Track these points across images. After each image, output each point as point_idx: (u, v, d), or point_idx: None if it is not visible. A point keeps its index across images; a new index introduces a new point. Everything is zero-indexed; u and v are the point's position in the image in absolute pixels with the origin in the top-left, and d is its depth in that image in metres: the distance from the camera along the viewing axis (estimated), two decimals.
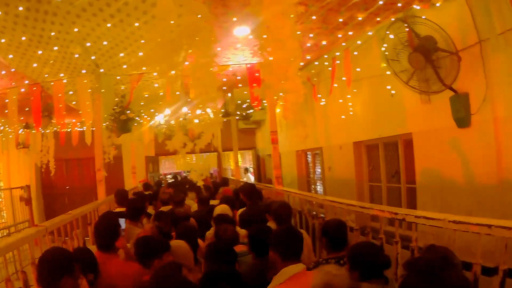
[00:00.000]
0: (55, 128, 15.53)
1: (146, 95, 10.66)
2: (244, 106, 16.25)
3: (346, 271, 3.04)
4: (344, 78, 8.72)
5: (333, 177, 11.08)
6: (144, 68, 8.02)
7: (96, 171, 8.51)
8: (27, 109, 9.74)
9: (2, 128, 14.88)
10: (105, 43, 6.62)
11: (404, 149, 8.41)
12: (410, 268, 2.26)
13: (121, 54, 7.04)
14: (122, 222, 5.64)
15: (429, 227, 3.93)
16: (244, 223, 5.48)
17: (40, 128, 14.11)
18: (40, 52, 6.86)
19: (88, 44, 6.65)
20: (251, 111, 17.05)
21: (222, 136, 18.81)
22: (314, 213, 6.87)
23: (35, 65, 7.46)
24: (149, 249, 3.85)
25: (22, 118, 12.71)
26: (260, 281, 3.64)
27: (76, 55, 7.20)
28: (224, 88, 11.68)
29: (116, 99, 8.97)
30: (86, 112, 8.52)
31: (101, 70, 7.90)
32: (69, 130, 15.38)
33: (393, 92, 7.79)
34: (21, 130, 14.95)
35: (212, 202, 7.97)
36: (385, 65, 7.27)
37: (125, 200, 7.14)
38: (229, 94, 14.45)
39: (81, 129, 14.65)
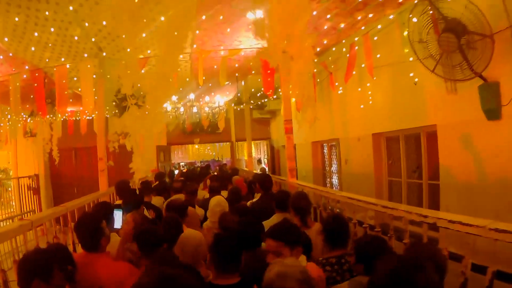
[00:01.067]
0: (64, 117, 15.39)
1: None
2: (259, 95, 15.79)
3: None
4: (363, 65, 8.27)
5: (350, 170, 10.59)
6: (149, 52, 7.58)
7: (98, 160, 8.17)
8: (32, 96, 9.40)
9: (9, 116, 14.58)
10: (104, 23, 6.18)
11: (427, 142, 7.90)
12: (380, 265, 2.29)
13: (123, 36, 6.60)
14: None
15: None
16: (256, 213, 5.47)
17: (48, 116, 14.03)
18: (36, 34, 6.45)
19: (87, 24, 6.21)
20: (266, 100, 16.62)
21: (236, 125, 18.55)
22: (330, 207, 6.69)
23: (33, 48, 7.07)
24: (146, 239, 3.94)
25: (27, 106, 12.44)
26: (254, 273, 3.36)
27: (76, 37, 6.78)
28: (237, 74, 11.20)
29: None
30: (87, 98, 8.10)
31: (104, 54, 7.50)
32: (78, 118, 15.22)
33: (416, 80, 7.27)
34: (29, 118, 14.74)
35: (223, 192, 7.82)
36: (407, 50, 6.83)
37: (125, 193, 6.82)
38: (242, 82, 14.04)
39: (90, 118, 14.44)
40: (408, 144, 8.65)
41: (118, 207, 5.56)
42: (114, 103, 8.57)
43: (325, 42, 8.56)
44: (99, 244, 3.88)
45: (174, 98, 9.10)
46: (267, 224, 4.48)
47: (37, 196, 17.42)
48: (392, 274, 2.19)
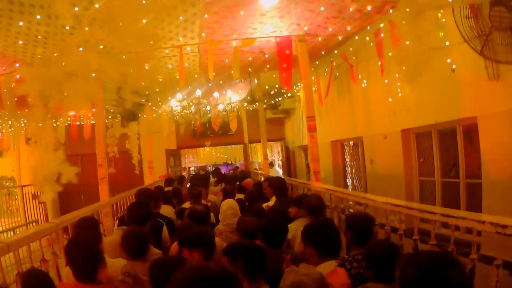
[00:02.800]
0: (67, 121, 14.95)
1: (160, 79, 9.49)
2: (272, 93, 15.08)
3: (317, 271, 2.87)
4: (390, 54, 7.56)
5: (376, 171, 9.84)
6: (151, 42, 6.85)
7: (98, 167, 7.48)
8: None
9: (10, 122, 14.02)
10: (97, 5, 5.43)
11: (464, 137, 7.20)
12: (409, 264, 2.32)
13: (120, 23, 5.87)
14: None
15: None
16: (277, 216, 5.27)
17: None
18: (22, 23, 5.73)
19: (77, 8, 5.45)
20: (280, 99, 15.92)
21: (249, 126, 17.91)
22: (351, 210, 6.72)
23: (21, 42, 6.37)
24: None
25: (26, 110, 11.81)
26: (274, 272, 3.48)
27: (68, 27, 6.05)
28: (250, 70, 10.44)
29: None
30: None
31: (101, 47, 6.77)
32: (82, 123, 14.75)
33: (454, 66, 6.51)
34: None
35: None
36: (442, 34, 6.32)
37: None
38: (256, 80, 13.32)
39: (95, 122, 13.82)
40: (441, 140, 7.93)
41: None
42: (116, 103, 7.76)
43: (348, 28, 7.81)
44: (95, 274, 3.24)
45: (179, 96, 8.27)
46: (291, 227, 4.92)
47: (43, 205, 16.80)
48: (423, 269, 2.21)
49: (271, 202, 7.17)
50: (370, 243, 3.69)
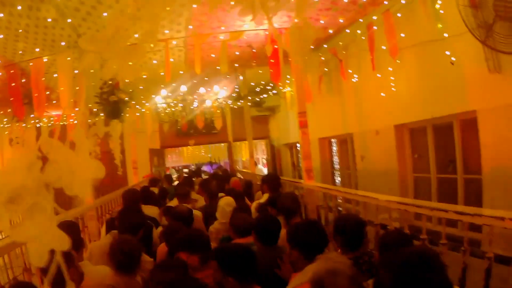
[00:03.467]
0: (51, 122, 14.54)
1: (145, 76, 9.10)
2: (258, 90, 14.75)
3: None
4: (384, 47, 7.29)
5: (367, 167, 9.57)
6: (136, 35, 6.43)
7: None
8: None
9: None
10: None
11: (462, 132, 6.97)
12: (386, 266, 2.16)
13: (104, 14, 5.47)
14: None
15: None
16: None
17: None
18: (2, 15, 5.33)
19: None
20: (265, 95, 15.60)
21: (233, 124, 17.55)
22: (340, 209, 6.58)
23: (1, 36, 5.96)
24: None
25: (9, 110, 11.38)
26: (269, 271, 3.63)
27: (50, 19, 5.65)
28: (236, 65, 10.08)
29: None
30: (65, 96, 6.85)
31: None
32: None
33: (453, 59, 6.25)
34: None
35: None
36: (441, 26, 6.06)
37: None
38: (241, 77, 12.97)
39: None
40: (437, 135, 7.70)
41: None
42: (98, 99, 7.31)
43: (341, 21, 7.51)
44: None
45: (164, 92, 7.85)
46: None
47: None
48: (399, 274, 2.01)
49: (262, 199, 6.91)
50: (382, 234, 3.77)
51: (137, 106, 13.07)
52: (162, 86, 9.02)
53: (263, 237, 4.20)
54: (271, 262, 3.78)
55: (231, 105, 16.80)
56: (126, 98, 7.38)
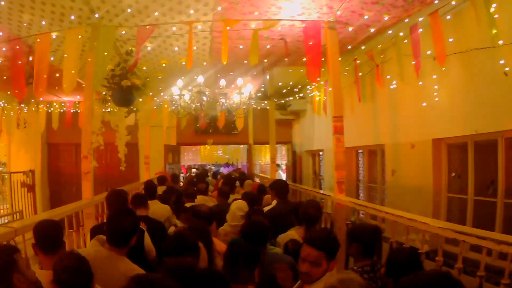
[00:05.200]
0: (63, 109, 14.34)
1: (164, 65, 8.60)
2: (284, 91, 14.24)
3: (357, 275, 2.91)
4: (429, 52, 6.73)
5: (398, 183, 8.94)
6: (156, 14, 5.93)
7: (82, 158, 6.62)
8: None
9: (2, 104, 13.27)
10: None
11: (507, 152, 6.36)
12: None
13: None
14: None
15: None
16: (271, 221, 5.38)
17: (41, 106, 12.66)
18: None
19: None
20: (291, 98, 15.09)
21: (255, 126, 17.07)
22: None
23: (2, 3, 5.49)
24: None
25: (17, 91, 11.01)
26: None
27: None
28: (265, 61, 9.52)
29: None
30: (69, 76, 6.31)
31: (96, 15, 5.87)
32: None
33: (507, 69, 5.65)
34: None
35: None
36: (495, 31, 5.42)
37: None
38: (268, 76, 12.45)
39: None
40: (478, 152, 7.06)
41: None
42: (107, 82, 6.75)
43: (386, 18, 6.96)
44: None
45: (180, 83, 7.31)
46: (283, 237, 5.22)
47: (32, 194, 16.16)
48: None
49: (271, 205, 7.12)
50: (391, 252, 3.82)
51: (155, 99, 12.66)
52: (182, 78, 8.39)
53: (250, 240, 4.25)
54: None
55: (254, 106, 16.33)
56: (141, 85, 6.81)
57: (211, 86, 8.13)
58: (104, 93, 7.35)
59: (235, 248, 3.72)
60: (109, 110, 10.16)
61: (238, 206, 6.38)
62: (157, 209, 6.71)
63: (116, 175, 15.87)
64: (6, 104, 13.24)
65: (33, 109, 13.74)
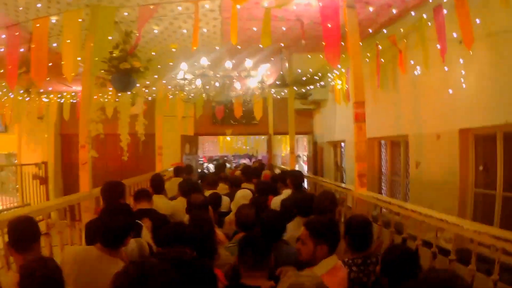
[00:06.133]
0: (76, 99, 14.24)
1: (174, 49, 8.23)
2: (304, 79, 13.81)
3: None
4: (455, 34, 6.31)
5: (422, 177, 8.46)
6: None
7: (80, 148, 6.31)
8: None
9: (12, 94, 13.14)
10: None
11: None
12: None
13: None
14: None
15: None
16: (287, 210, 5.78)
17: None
18: None
19: None
20: (311, 87, 14.65)
21: (275, 115, 16.77)
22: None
23: None
24: None
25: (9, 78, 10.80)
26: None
27: None
28: (282, 45, 9.09)
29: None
30: (69, 62, 5.98)
31: None
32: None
33: None
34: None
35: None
36: None
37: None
38: (287, 65, 12.04)
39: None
40: (508, 145, 6.58)
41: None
42: (106, 66, 6.38)
43: None
44: None
45: (184, 66, 6.97)
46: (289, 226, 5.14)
47: (45, 187, 16.18)
48: None
49: (283, 196, 7.27)
50: (386, 249, 3.78)
51: (163, 81, 12.37)
52: (195, 63, 7.99)
53: (265, 233, 4.33)
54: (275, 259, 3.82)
55: (274, 95, 16.01)
56: (142, 68, 6.43)
57: (223, 72, 7.71)
58: (101, 74, 6.99)
59: (247, 238, 3.78)
60: (117, 99, 9.97)
61: (242, 194, 6.71)
62: (162, 204, 6.60)
63: (132, 166, 15.75)
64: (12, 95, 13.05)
65: (42, 99, 13.66)
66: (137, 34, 5.81)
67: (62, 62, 5.98)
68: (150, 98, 14.48)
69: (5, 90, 12.15)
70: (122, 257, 3.69)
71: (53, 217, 6.08)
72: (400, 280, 3.16)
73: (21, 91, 11.38)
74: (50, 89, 13.26)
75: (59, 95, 14.29)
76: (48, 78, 9.57)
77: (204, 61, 6.91)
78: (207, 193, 7.19)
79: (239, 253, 3.61)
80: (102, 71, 6.59)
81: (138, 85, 6.86)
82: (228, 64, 7.07)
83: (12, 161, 18.21)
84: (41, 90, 13.22)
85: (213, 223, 4.68)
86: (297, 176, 7.44)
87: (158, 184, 7.35)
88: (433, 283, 2.47)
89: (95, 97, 12.90)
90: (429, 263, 4.48)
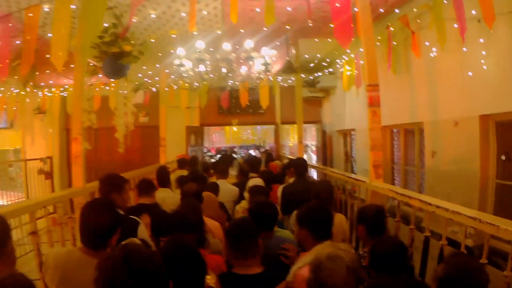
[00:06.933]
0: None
1: (174, 36, 7.77)
2: (312, 66, 13.33)
3: (353, 250, 3.54)
4: (474, 12, 5.84)
5: (439, 167, 7.95)
6: None
7: (72, 140, 5.86)
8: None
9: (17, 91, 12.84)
10: None
11: None
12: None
13: None
14: None
15: None
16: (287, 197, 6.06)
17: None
18: None
19: None
20: (319, 74, 14.17)
21: (282, 104, 16.40)
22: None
23: None
24: None
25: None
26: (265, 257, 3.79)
27: None
28: (288, 27, 8.59)
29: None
30: (58, 48, 5.51)
31: None
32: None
33: None
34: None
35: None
36: None
37: None
38: (293, 51, 11.60)
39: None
40: None
41: None
42: (97, 50, 5.87)
43: None
44: None
45: (181, 51, 6.54)
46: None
47: (51, 182, 16.12)
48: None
49: (286, 183, 7.51)
50: (374, 243, 3.70)
51: (166, 71, 11.96)
52: (197, 50, 7.46)
53: (258, 221, 4.19)
54: (268, 248, 3.96)
55: (280, 83, 15.59)
56: (135, 52, 5.93)
57: (220, 55, 7.23)
58: (91, 63, 6.50)
59: (235, 225, 3.88)
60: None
61: (254, 182, 6.78)
62: (167, 197, 6.44)
63: (137, 159, 15.54)
64: (17, 90, 12.72)
65: (45, 93, 13.44)
66: (130, 17, 5.36)
67: (51, 51, 5.55)
68: (154, 90, 14.15)
69: (7, 85, 11.78)
70: None
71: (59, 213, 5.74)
72: (388, 273, 3.14)
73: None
74: (51, 82, 12.90)
75: (61, 89, 13.96)
76: (48, 71, 9.18)
77: (201, 44, 6.44)
78: (220, 181, 7.40)
79: (226, 243, 3.68)
80: (93, 58, 6.11)
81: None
82: (227, 46, 6.58)
83: (19, 157, 18.06)
84: (42, 84, 12.95)
85: (201, 212, 4.44)
86: (300, 164, 7.47)
87: (163, 177, 7.20)
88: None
89: (97, 89, 12.67)
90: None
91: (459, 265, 2.68)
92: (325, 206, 4.27)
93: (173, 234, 3.77)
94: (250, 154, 19.65)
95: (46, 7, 5.98)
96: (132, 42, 5.76)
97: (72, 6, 5.64)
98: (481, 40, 6.25)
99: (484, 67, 6.30)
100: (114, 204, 3.62)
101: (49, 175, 16.00)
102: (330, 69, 13.80)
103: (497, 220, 3.42)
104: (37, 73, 8.00)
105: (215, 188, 6.44)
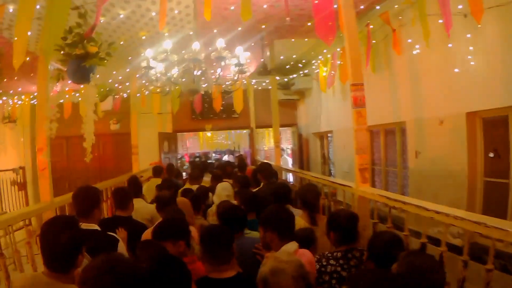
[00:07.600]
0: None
1: (144, 37, 7.44)
2: (287, 67, 13.14)
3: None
4: (460, 6, 5.65)
5: (423, 167, 7.79)
6: None
7: (37, 151, 5.51)
8: None
9: None
10: None
11: None
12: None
13: None
14: None
15: None
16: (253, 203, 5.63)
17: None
18: None
19: None
20: (294, 76, 13.97)
21: (256, 108, 16.13)
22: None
23: None
24: None
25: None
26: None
27: None
28: (263, 26, 8.32)
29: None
30: (21, 46, 5.10)
31: None
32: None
33: None
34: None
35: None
36: None
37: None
38: (268, 53, 11.36)
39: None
40: None
41: None
42: (61, 52, 5.46)
43: None
44: None
45: (149, 52, 6.21)
46: None
47: (24, 193, 15.28)
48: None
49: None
50: (372, 236, 3.84)
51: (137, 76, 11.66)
52: (169, 53, 7.02)
53: (228, 224, 4.31)
54: (240, 250, 3.92)
55: (255, 86, 15.34)
56: (102, 54, 5.53)
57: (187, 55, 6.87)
58: (55, 66, 6.09)
59: (208, 231, 3.79)
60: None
61: (223, 186, 6.99)
62: (140, 207, 6.17)
63: (110, 168, 15.25)
64: None
65: (15, 101, 13.03)
66: (96, 16, 4.99)
67: (28, 58, 5.20)
68: (125, 95, 13.77)
69: None
70: (76, 281, 2.93)
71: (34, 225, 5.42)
72: (386, 265, 3.05)
73: None
74: (19, 89, 12.47)
75: (31, 96, 13.53)
76: (16, 78, 8.75)
77: (168, 44, 6.13)
78: (193, 187, 7.48)
79: (201, 249, 3.64)
80: (58, 61, 5.70)
81: (97, 75, 5.96)
82: (196, 45, 6.25)
83: None
84: (11, 91, 12.54)
85: (185, 219, 4.51)
86: (265, 169, 7.90)
87: (135, 187, 6.90)
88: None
89: (66, 95, 12.25)
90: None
91: (411, 265, 2.74)
92: (285, 206, 4.46)
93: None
94: (219, 161, 19.50)
95: (11, 8, 5.60)
96: (99, 43, 5.35)
97: (37, 7, 5.32)
98: (468, 36, 6.08)
99: (472, 63, 6.12)
100: (76, 221, 3.27)
101: (22, 186, 15.45)
102: (306, 71, 13.61)
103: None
104: (5, 79, 7.54)
105: (188, 194, 6.29)
